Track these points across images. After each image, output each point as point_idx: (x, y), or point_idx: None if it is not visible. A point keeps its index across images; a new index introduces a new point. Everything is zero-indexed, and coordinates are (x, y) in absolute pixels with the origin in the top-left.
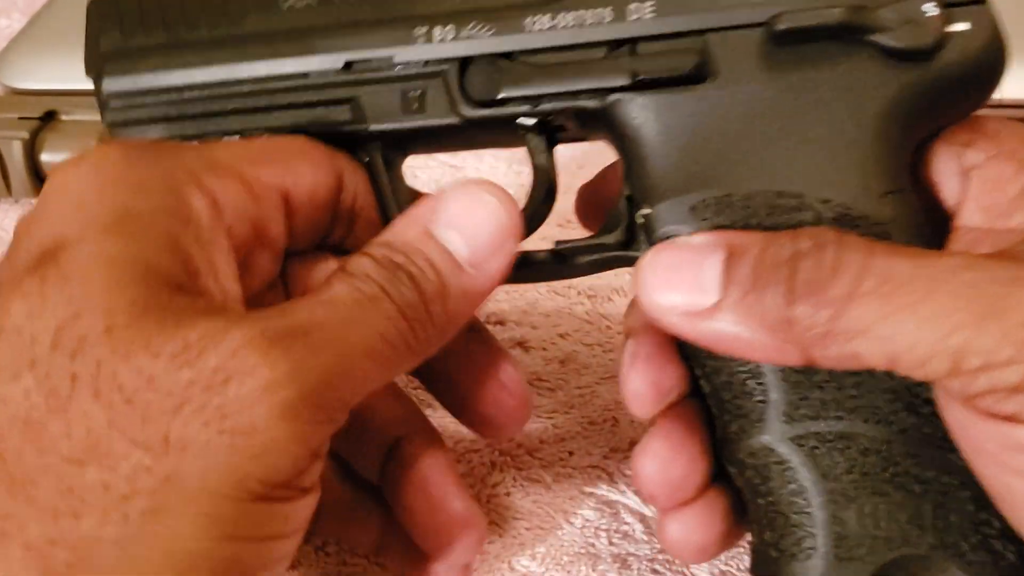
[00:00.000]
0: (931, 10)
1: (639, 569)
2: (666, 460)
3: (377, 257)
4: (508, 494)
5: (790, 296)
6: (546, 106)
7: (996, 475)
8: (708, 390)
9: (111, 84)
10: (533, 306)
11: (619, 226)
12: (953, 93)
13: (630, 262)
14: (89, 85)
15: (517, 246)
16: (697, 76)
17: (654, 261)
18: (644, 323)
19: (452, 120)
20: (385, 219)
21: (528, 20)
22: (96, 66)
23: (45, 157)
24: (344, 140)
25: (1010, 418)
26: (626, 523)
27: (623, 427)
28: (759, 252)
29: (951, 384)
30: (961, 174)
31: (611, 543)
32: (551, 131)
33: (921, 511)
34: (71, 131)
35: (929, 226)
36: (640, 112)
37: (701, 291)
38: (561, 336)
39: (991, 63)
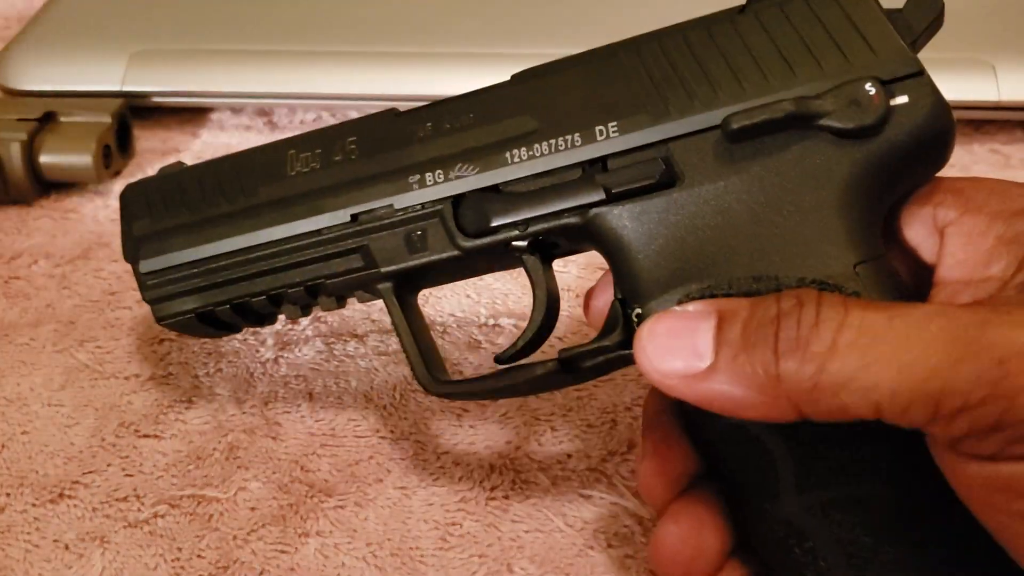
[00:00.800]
0: (871, 89)
1: (637, 571)
2: (679, 542)
3: None
4: (507, 497)
5: (776, 354)
6: (535, 228)
7: (991, 516)
8: (723, 474)
9: (147, 265)
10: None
11: (617, 327)
12: (907, 161)
13: (632, 361)
14: (87, 86)
15: None
16: (666, 183)
17: (652, 330)
18: (651, 418)
19: (453, 253)
20: (405, 352)
21: (508, 154)
22: (132, 251)
23: (44, 159)
24: (361, 283)
25: (991, 457)
26: (624, 525)
27: (621, 430)
28: (747, 315)
29: (935, 430)
30: (936, 232)
31: (609, 545)
32: (545, 248)
33: (941, 560)
34: (69, 132)
35: (910, 287)
36: (618, 222)
37: (696, 356)
38: (559, 339)
39: (938, 128)
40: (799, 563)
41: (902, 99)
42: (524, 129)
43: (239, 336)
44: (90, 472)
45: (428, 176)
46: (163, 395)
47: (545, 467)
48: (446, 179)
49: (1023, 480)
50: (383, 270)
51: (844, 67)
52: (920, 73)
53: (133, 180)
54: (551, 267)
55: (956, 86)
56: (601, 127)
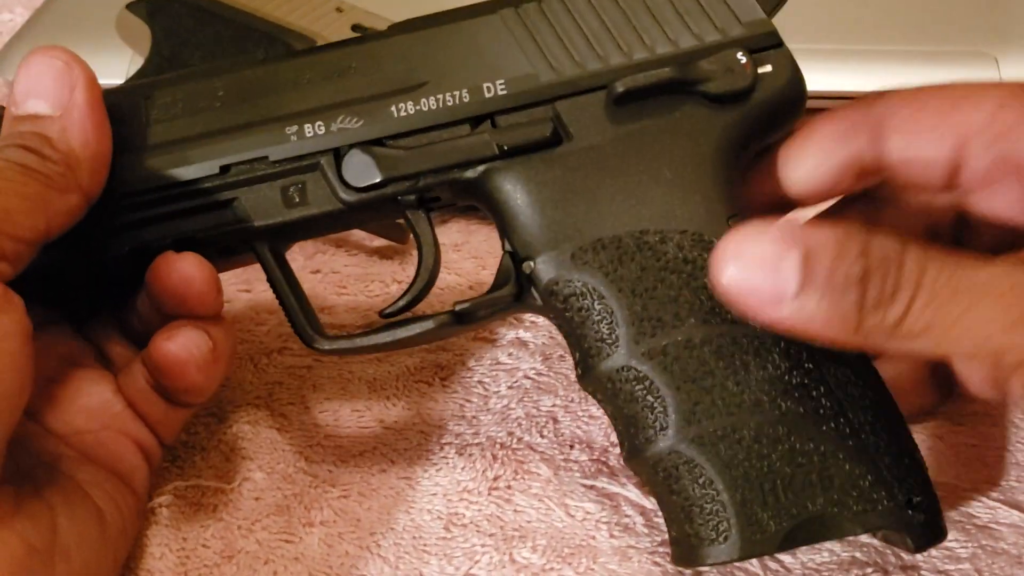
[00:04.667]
0: (743, 58)
1: (640, 561)
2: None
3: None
4: (509, 487)
5: (861, 308)
6: (424, 182)
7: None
8: (610, 411)
9: None
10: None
11: (509, 280)
12: (769, 123)
13: (524, 310)
14: None
15: (86, 71)
16: (554, 140)
17: (740, 249)
18: None
19: (335, 207)
20: (283, 307)
21: (393, 108)
22: None
23: None
24: (233, 238)
25: None
26: (627, 516)
27: None
28: (834, 259)
29: (990, 382)
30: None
31: (612, 536)
32: (427, 202)
33: (810, 479)
34: None
35: None
36: (509, 177)
37: (780, 283)
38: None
39: (795, 94)
40: (690, 490)
41: (766, 68)
42: (410, 82)
43: (243, 327)
44: None
45: (308, 127)
46: None
47: (547, 458)
48: (327, 131)
49: None
50: (257, 225)
51: (712, 32)
52: (780, 44)
53: None
54: (431, 221)
55: (959, 79)
56: (489, 84)
